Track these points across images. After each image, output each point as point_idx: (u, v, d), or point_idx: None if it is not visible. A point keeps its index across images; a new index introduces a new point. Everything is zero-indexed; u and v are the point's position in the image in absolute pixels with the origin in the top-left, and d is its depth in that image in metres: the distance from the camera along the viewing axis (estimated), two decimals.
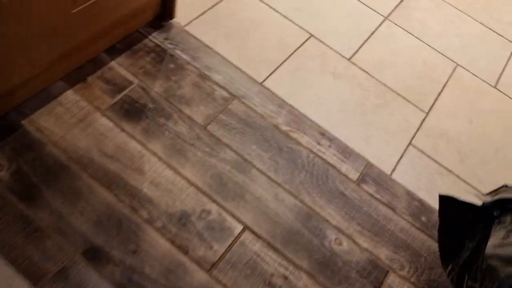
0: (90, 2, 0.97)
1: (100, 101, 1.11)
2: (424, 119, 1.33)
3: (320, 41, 1.42)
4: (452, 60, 1.51)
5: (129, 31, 1.24)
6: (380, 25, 1.53)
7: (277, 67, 1.31)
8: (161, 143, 1.09)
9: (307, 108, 1.25)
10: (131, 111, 1.12)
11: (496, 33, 1.65)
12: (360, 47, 1.45)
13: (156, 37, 1.27)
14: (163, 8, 1.30)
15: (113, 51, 1.21)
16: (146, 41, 1.25)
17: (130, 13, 1.18)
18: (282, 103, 1.24)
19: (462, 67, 1.50)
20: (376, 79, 1.38)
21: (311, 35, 1.42)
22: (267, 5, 1.45)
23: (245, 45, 1.33)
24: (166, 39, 1.27)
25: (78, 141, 1.04)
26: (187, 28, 1.32)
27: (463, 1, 1.72)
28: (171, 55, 1.24)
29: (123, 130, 1.08)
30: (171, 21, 1.31)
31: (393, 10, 1.60)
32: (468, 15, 1.68)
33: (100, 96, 1.12)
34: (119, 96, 1.13)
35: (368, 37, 1.48)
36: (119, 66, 1.18)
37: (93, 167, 1.01)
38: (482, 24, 1.67)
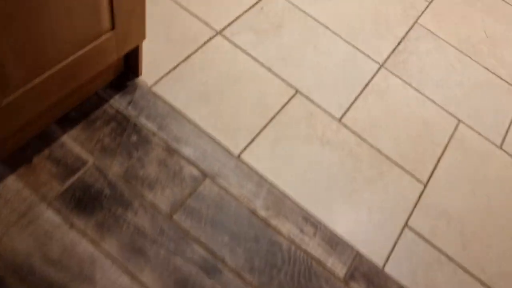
0: (27, 87, 0.80)
1: (47, 188, 0.95)
2: (422, 193, 1.18)
3: (307, 98, 1.26)
4: (454, 116, 1.36)
5: (86, 95, 1.08)
6: (374, 75, 1.37)
7: (257, 134, 1.15)
8: (117, 241, 0.93)
9: (290, 186, 1.10)
10: (84, 200, 0.96)
11: (503, 79, 1.50)
12: (352, 103, 1.29)
13: (117, 102, 1.10)
14: (127, 65, 1.13)
15: (66, 122, 1.04)
16: (105, 106, 1.09)
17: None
18: (261, 181, 1.08)
19: (464, 123, 1.35)
20: (369, 144, 1.22)
21: (297, 91, 1.26)
22: (248, 54, 1.29)
23: (221, 107, 1.17)
24: (129, 103, 1.11)
25: (17, 244, 0.88)
26: (154, 88, 1.15)
27: (467, 41, 1.56)
28: (135, 124, 1.08)
29: (72, 226, 0.93)
30: (136, 79, 1.15)
31: (389, 56, 1.43)
32: (472, 59, 1.52)
33: (48, 181, 0.96)
34: (70, 181, 0.97)
35: (361, 91, 1.32)
36: (72, 141, 1.02)
37: (33, 279, 0.85)
38: (487, 69, 1.51)
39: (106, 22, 0.87)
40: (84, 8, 0.80)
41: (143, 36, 1.01)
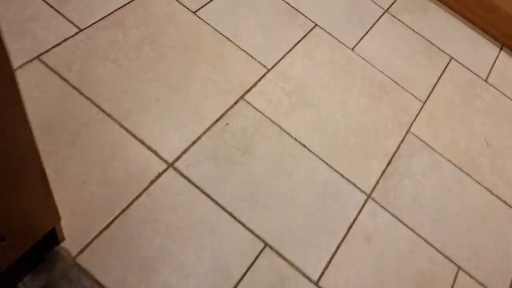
0: None
1: None
2: None
3: (278, 253, 1.02)
4: (452, 261, 1.14)
5: None
6: (360, 211, 1.14)
7: None
8: None
9: None
10: None
11: (506, 203, 1.29)
12: (333, 256, 1.06)
13: (28, 285, 0.84)
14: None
15: None
16: None
17: None
18: None
19: (464, 271, 1.14)
20: None
21: (266, 245, 1.02)
22: (207, 195, 1.04)
23: (165, 282, 0.92)
24: (43, 287, 0.85)
25: None
26: (80, 259, 0.89)
27: (466, 153, 1.35)
28: None
29: None
30: (57, 247, 0.89)
31: (378, 181, 1.21)
32: (472, 178, 1.31)
33: None
34: None
35: (344, 236, 1.09)
36: None
37: None
38: (489, 190, 1.30)
39: None
40: None
41: (55, 221, 0.75)
